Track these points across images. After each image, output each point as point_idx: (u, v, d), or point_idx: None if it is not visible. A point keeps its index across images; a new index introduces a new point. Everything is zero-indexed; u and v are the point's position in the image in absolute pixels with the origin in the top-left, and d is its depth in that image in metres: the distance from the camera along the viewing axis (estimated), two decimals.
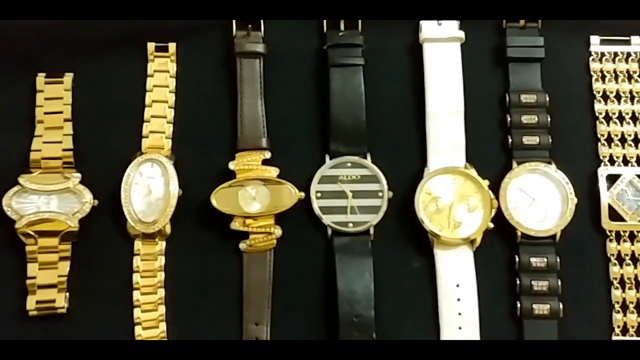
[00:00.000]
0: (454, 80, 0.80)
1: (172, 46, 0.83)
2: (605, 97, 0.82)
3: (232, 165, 0.79)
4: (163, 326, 0.78)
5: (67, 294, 0.78)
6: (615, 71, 0.83)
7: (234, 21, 0.82)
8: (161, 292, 0.78)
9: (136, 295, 0.78)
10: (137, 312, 0.78)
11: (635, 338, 0.77)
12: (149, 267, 0.79)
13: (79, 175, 0.79)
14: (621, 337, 0.77)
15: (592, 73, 0.83)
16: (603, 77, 0.83)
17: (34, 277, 0.77)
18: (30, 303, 0.77)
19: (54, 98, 0.81)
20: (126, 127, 0.82)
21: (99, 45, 0.83)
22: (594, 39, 0.84)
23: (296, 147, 0.82)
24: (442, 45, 0.81)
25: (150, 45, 0.83)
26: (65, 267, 0.78)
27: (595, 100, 0.83)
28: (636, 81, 0.82)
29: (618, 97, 0.82)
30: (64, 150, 0.80)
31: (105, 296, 0.79)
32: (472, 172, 0.78)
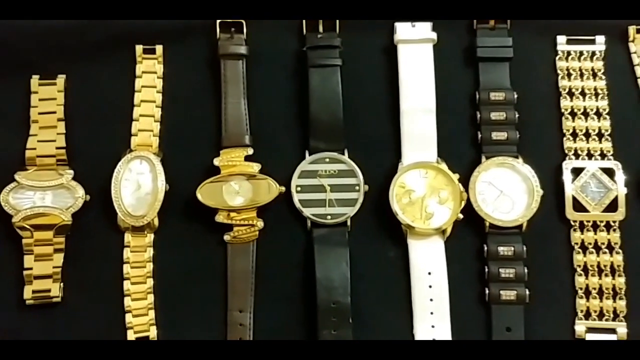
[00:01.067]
0: (426, 79, 0.83)
1: (159, 48, 0.86)
2: (570, 94, 0.85)
3: (216, 162, 0.82)
4: (152, 314, 0.80)
5: (62, 284, 0.80)
6: (580, 69, 0.86)
7: (217, 24, 0.84)
8: (150, 282, 0.81)
9: (126, 284, 0.80)
10: (127, 301, 0.80)
11: (598, 322, 0.80)
12: (138, 259, 0.81)
13: (71, 172, 0.82)
14: (584, 322, 0.80)
15: (558, 71, 0.86)
16: (569, 75, 0.86)
17: (31, 268, 0.80)
18: (27, 292, 0.79)
19: (48, 99, 0.84)
20: (116, 126, 0.84)
21: (90, 48, 0.86)
22: (561, 39, 0.86)
23: (277, 143, 0.84)
24: (415, 46, 0.84)
25: (139, 48, 0.85)
26: (59, 258, 0.80)
27: (561, 97, 0.85)
28: (600, 78, 0.85)
29: (583, 94, 0.85)
30: (58, 148, 0.82)
31: (97, 286, 0.81)
32: (443, 166, 0.81)
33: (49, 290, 0.79)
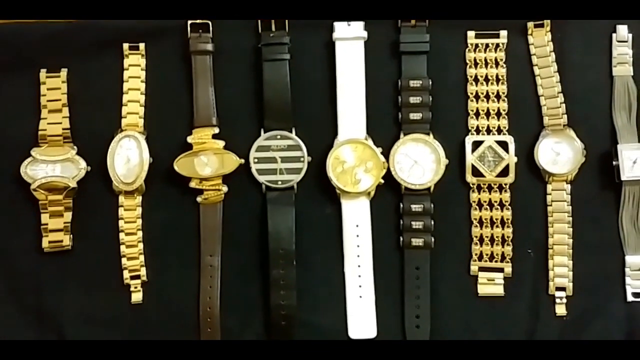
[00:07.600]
0: (358, 70, 0.94)
1: (142, 46, 0.95)
2: (476, 80, 0.95)
3: (189, 139, 0.92)
4: (142, 258, 0.93)
5: (71, 235, 0.92)
6: (485, 59, 0.96)
7: (188, 26, 0.93)
8: (140, 234, 0.93)
9: (121, 235, 0.92)
10: (122, 248, 0.92)
11: (488, 263, 0.96)
12: (130, 215, 0.93)
13: (75, 148, 0.92)
14: (478, 262, 0.97)
15: (467, 61, 0.95)
16: (476, 64, 0.95)
17: (46, 224, 0.91)
18: (44, 242, 0.91)
19: (54, 88, 0.93)
20: (109, 109, 0.94)
21: (87, 46, 0.95)
22: (471, 34, 0.96)
23: (238, 123, 0.94)
24: (349, 43, 0.94)
25: (125, 46, 0.95)
26: (69, 215, 0.92)
27: (468, 83, 0.95)
28: (502, 67, 0.96)
29: (486, 79, 0.95)
30: (63, 129, 0.92)
31: (99, 237, 0.93)
32: (370, 142, 0.93)
33: (61, 241, 0.91)
